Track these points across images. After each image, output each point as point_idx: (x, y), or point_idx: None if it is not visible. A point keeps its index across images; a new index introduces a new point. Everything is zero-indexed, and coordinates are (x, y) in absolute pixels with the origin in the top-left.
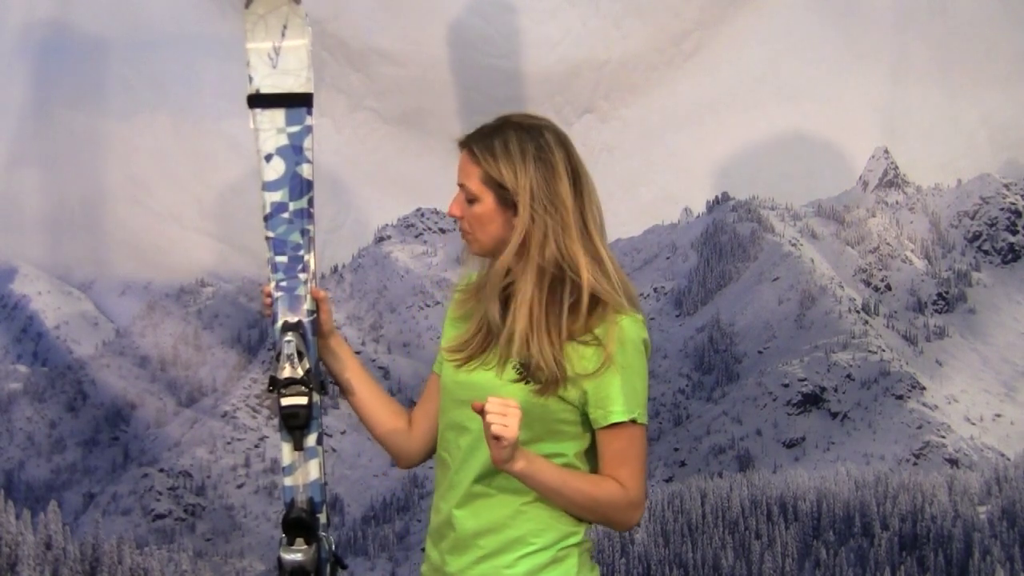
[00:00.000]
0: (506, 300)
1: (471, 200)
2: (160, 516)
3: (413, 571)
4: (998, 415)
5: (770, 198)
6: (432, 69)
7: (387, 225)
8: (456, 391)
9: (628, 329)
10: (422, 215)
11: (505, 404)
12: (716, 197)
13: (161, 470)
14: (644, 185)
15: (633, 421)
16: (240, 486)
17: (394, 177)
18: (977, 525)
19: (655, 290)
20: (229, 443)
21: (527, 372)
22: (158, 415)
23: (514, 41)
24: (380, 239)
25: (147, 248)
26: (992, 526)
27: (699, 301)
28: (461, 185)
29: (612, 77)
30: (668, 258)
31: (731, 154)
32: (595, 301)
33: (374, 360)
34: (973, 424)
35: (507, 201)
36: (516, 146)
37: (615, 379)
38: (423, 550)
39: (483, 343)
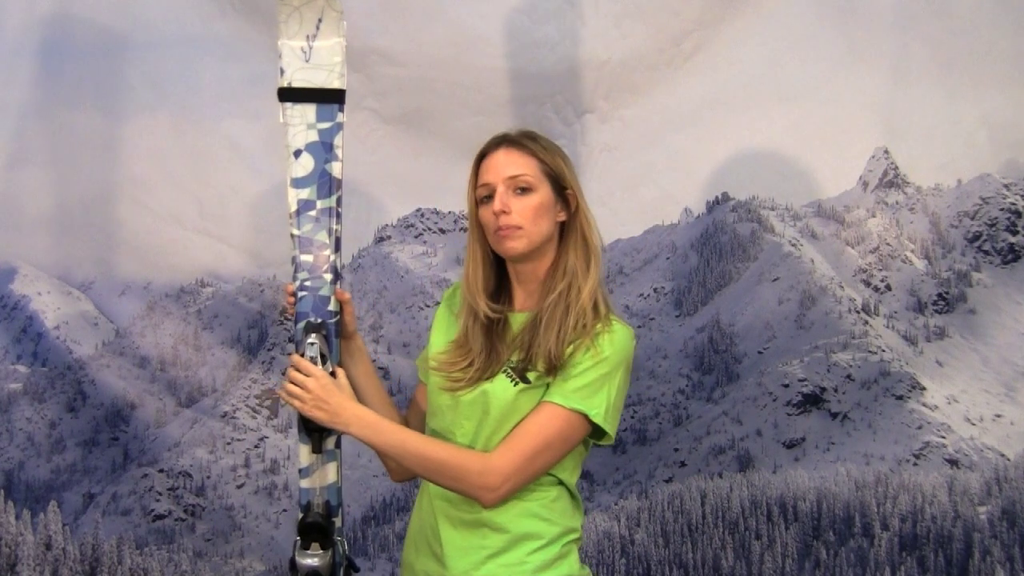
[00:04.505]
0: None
1: (525, 190)
2: (160, 516)
3: None
4: (998, 415)
5: (770, 198)
6: (432, 69)
7: (387, 225)
8: (447, 399)
9: (619, 333)
10: (422, 215)
11: (293, 379)
12: (716, 197)
13: (161, 470)
14: (644, 185)
15: (567, 408)
16: (240, 486)
17: (394, 177)
18: (977, 525)
19: (655, 290)
20: (229, 443)
21: (518, 374)
22: (158, 415)
23: (514, 41)
24: (380, 239)
25: (147, 248)
26: (992, 526)
27: (699, 301)
28: (511, 178)
29: (612, 77)
30: (668, 258)
31: (731, 154)
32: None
33: (374, 360)
34: (973, 424)
35: (558, 195)
36: (554, 146)
37: (587, 368)
38: None
39: (484, 367)
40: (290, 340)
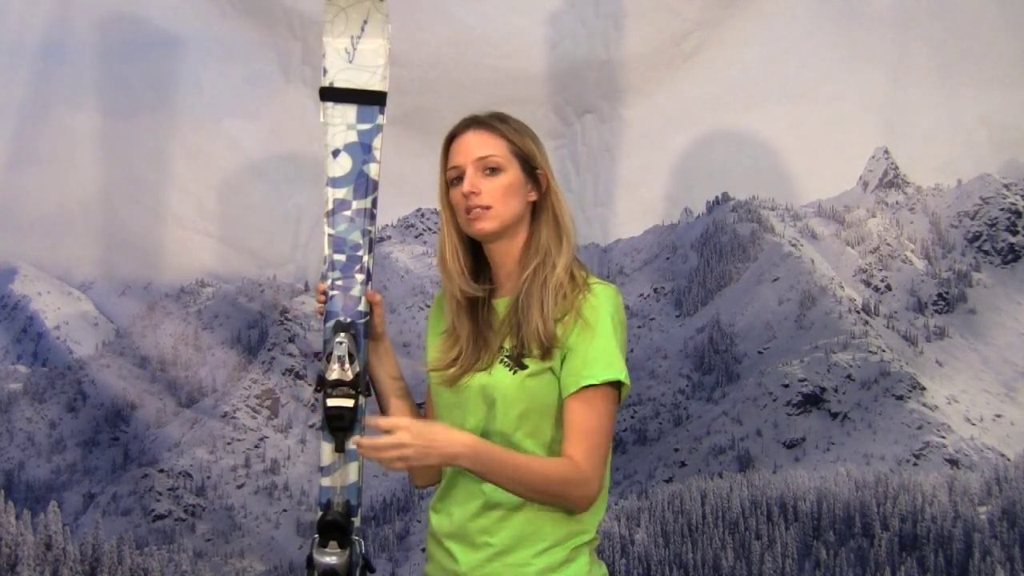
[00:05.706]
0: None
1: (494, 171)
2: (160, 516)
3: (413, 571)
4: (998, 415)
5: (770, 198)
6: (432, 69)
7: (387, 225)
8: (448, 396)
9: (600, 294)
10: (422, 215)
11: (386, 444)
12: (716, 197)
13: (161, 470)
14: (644, 185)
15: (600, 384)
16: (240, 486)
17: (394, 177)
18: (977, 525)
19: (655, 290)
20: (229, 443)
21: (514, 362)
22: (158, 415)
23: (514, 41)
24: (380, 239)
25: (147, 248)
26: (992, 526)
27: (699, 301)
28: (480, 159)
29: (612, 77)
30: (668, 258)
31: (731, 154)
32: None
33: None
34: (973, 424)
35: (528, 175)
36: (524, 127)
37: (588, 342)
38: (423, 550)
39: (474, 353)
40: (290, 340)
